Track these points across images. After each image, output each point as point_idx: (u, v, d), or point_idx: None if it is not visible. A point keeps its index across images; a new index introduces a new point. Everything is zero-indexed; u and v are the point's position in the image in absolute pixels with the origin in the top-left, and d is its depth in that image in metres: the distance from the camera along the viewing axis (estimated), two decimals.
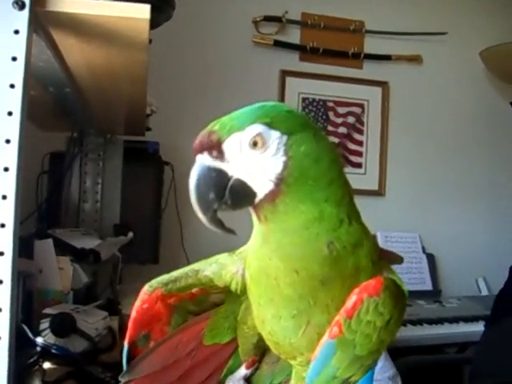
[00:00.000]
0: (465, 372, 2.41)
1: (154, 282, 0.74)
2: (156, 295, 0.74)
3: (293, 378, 0.72)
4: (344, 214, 0.61)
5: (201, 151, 0.60)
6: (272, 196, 0.59)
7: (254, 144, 0.59)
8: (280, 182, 0.59)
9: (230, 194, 0.60)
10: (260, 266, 0.65)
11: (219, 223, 0.60)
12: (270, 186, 0.59)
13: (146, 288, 0.74)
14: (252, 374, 0.77)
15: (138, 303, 0.74)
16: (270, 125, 0.60)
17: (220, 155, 0.59)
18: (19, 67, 0.85)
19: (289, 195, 0.60)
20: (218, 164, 0.59)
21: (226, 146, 0.59)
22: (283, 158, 0.59)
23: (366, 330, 0.61)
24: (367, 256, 0.62)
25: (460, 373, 2.43)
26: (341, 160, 0.64)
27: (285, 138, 0.60)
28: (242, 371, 0.76)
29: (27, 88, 0.86)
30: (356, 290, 0.61)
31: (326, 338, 0.61)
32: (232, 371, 0.78)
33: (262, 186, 0.60)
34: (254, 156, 0.60)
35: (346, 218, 0.61)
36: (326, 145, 0.62)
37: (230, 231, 0.61)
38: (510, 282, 2.26)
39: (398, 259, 0.72)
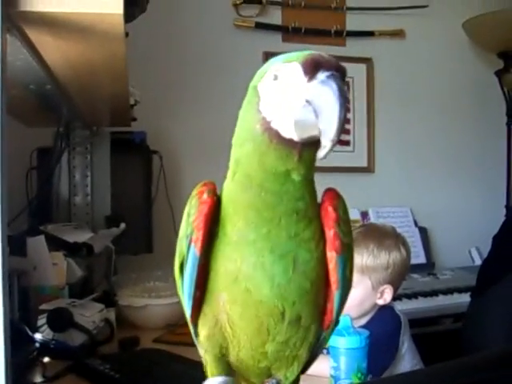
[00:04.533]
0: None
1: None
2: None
3: None
4: None
5: (336, 71, 0.61)
6: (316, 144, 0.61)
7: None
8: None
9: None
10: (250, 207, 0.66)
11: None
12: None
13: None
14: None
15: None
16: None
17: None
18: None
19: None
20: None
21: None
22: None
23: (347, 227, 0.69)
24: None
25: (457, 343, 2.46)
26: None
27: None
28: None
29: (5, 86, 0.86)
30: (325, 204, 0.68)
31: (333, 255, 0.67)
32: None
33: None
34: None
35: None
36: None
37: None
38: (492, 252, 2.29)
39: None
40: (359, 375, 1.14)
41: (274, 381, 0.71)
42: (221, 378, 0.72)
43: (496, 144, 3.36)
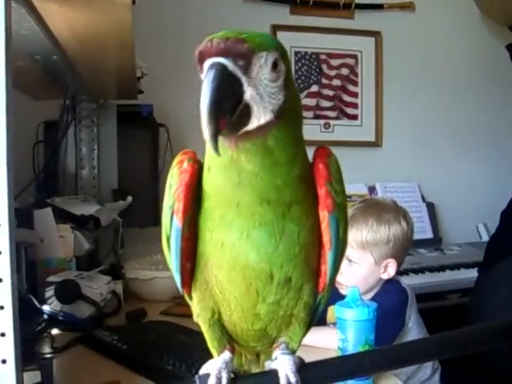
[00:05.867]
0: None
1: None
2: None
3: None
4: (303, 145, 0.65)
5: (224, 55, 0.57)
6: (266, 128, 0.59)
7: (274, 67, 0.59)
8: (279, 114, 0.59)
9: (239, 115, 0.57)
10: (223, 196, 0.64)
11: (216, 139, 0.57)
12: (269, 117, 0.58)
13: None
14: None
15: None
16: (282, 55, 0.60)
17: (246, 66, 0.57)
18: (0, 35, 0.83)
19: (281, 130, 0.60)
20: (239, 75, 0.57)
21: (255, 59, 0.57)
22: (285, 91, 0.60)
23: (340, 185, 0.67)
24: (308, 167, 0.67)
25: (464, 318, 2.46)
26: None
27: (286, 72, 0.61)
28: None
29: (10, 55, 0.84)
30: (316, 162, 0.67)
31: (325, 214, 0.65)
32: None
33: (261, 115, 0.58)
34: (270, 79, 0.59)
35: (304, 148, 0.65)
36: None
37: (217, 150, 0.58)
38: (500, 228, 2.29)
39: None
40: (367, 347, 1.14)
41: (283, 345, 0.71)
42: (222, 359, 0.71)
43: (505, 119, 3.33)
